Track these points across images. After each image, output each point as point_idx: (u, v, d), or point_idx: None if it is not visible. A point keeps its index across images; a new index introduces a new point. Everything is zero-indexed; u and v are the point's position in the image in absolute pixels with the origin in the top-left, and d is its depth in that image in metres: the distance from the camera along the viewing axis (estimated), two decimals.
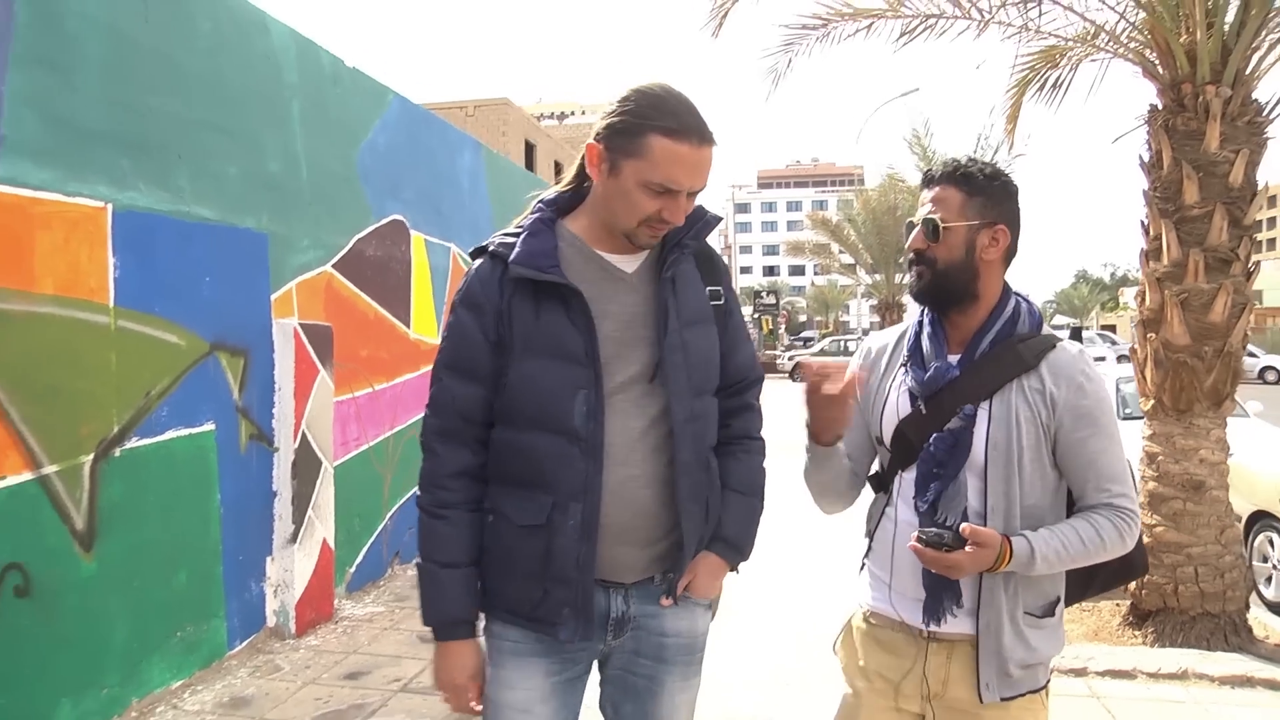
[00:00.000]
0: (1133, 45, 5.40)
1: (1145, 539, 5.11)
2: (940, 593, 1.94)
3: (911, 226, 2.03)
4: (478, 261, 1.96)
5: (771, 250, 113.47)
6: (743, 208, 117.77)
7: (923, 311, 2.10)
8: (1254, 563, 6.51)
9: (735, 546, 2.06)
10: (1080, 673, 4.54)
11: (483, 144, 8.83)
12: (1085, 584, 2.10)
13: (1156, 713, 4.19)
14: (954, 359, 1.99)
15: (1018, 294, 2.04)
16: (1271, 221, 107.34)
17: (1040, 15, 5.58)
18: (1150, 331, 5.20)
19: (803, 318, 77.62)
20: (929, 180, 2.04)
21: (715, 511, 2.03)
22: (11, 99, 3.55)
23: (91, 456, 3.97)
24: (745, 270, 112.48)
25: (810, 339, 56.59)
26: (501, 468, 1.92)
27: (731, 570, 2.07)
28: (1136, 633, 5.16)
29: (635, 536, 1.92)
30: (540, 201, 2.00)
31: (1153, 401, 5.20)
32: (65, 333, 3.83)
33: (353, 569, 6.13)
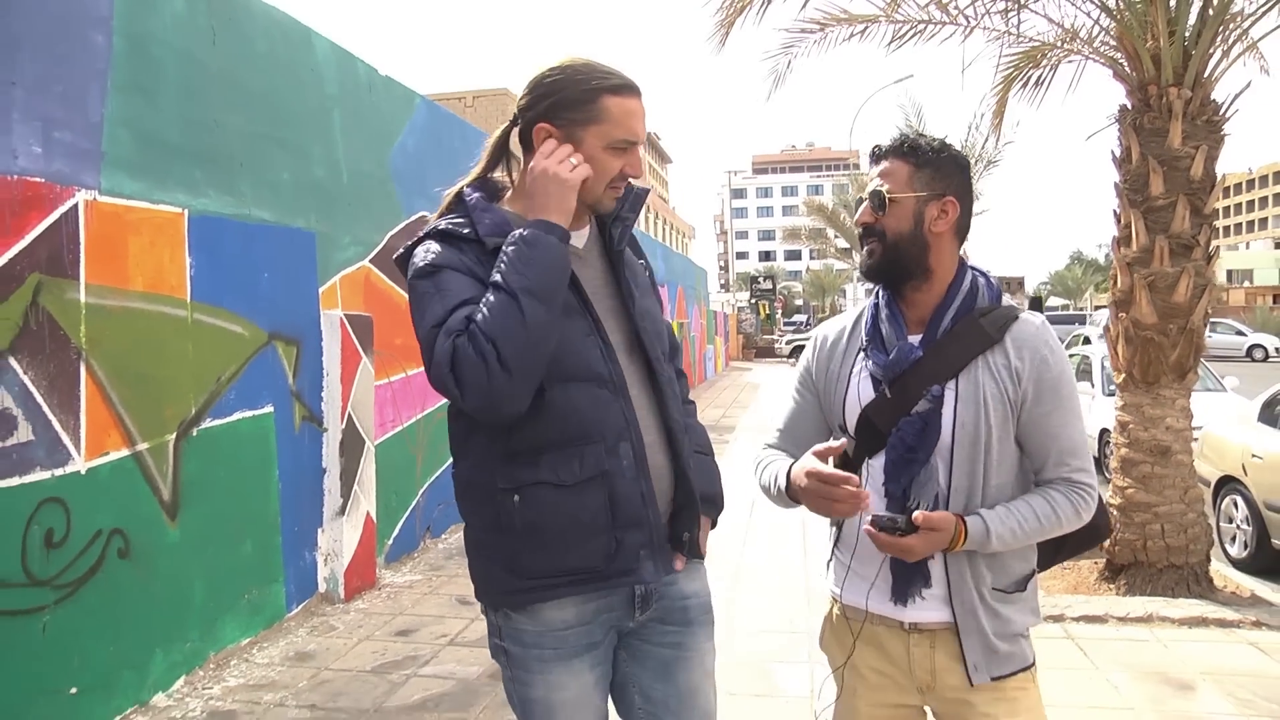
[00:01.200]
0: (1104, 50, 5.89)
1: (1118, 500, 5.64)
2: (908, 576, 1.94)
3: (857, 202, 2.02)
4: (426, 244, 1.88)
5: (767, 235, 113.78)
6: (738, 193, 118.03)
7: (877, 293, 2.06)
8: (1221, 523, 7.04)
9: (713, 502, 2.10)
10: (1058, 619, 5.07)
11: None
12: (1053, 552, 2.07)
13: (1123, 650, 4.71)
14: (915, 339, 1.95)
15: (974, 268, 2.01)
16: (1263, 201, 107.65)
17: (1019, 23, 6.06)
18: (1121, 311, 5.71)
19: (799, 302, 78.09)
20: (876, 155, 2.01)
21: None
22: (110, 121, 4.03)
23: (174, 435, 4.47)
24: (741, 256, 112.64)
25: (801, 323, 56.95)
26: (530, 436, 1.84)
27: (712, 526, 2.13)
28: (1111, 586, 5.68)
29: (660, 501, 1.94)
30: (469, 187, 1.97)
31: (1124, 375, 5.71)
32: (152, 325, 4.32)
33: (390, 541, 6.63)
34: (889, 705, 2.02)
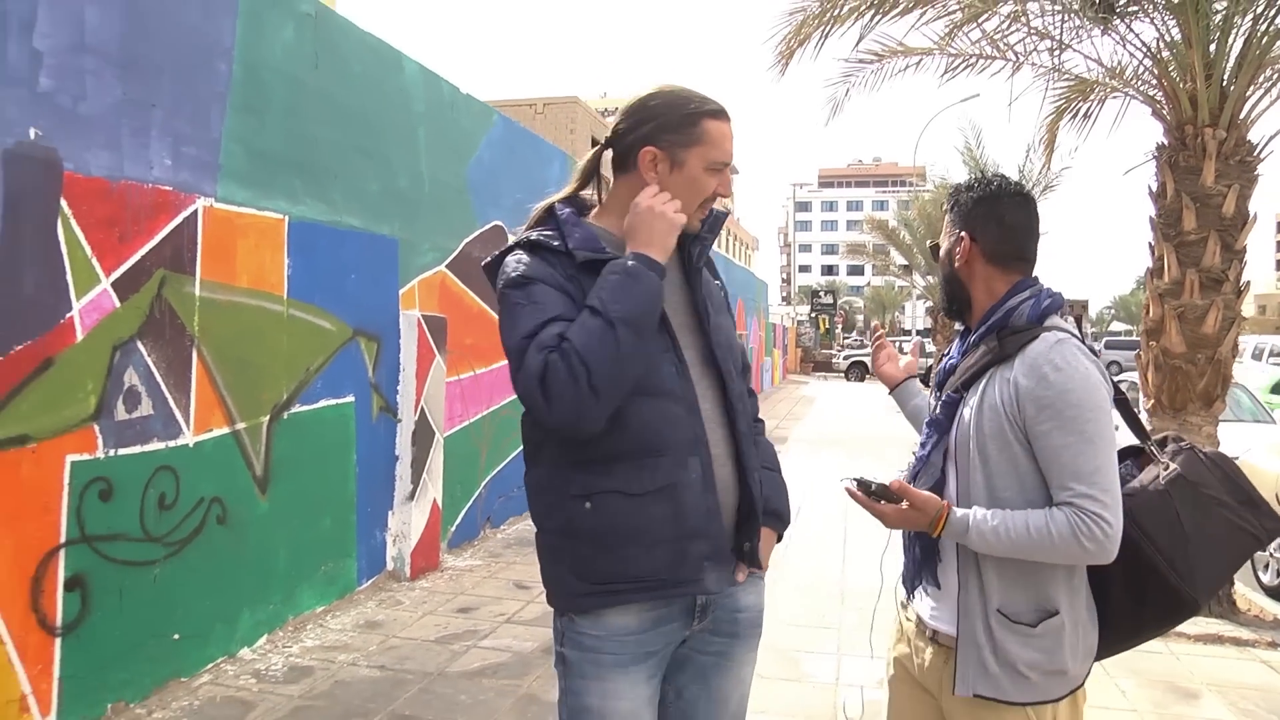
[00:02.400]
0: (1144, 89, 6.16)
1: None
2: (915, 566, 2.10)
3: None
4: (517, 254, 1.94)
5: (831, 249, 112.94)
6: (803, 206, 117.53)
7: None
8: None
9: (779, 517, 2.16)
10: None
11: (568, 155, 9.78)
12: (1132, 633, 2.05)
13: (1135, 659, 4.97)
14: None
15: (1033, 292, 2.05)
16: None
17: (1061, 61, 6.34)
18: (1152, 340, 5.98)
19: (860, 318, 77.79)
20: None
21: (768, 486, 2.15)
22: (227, 137, 4.55)
23: (268, 417, 4.98)
24: (804, 269, 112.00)
25: (860, 341, 56.65)
26: (603, 446, 1.89)
27: (777, 540, 2.20)
28: None
29: (725, 513, 1.99)
30: (560, 203, 2.06)
31: (1152, 401, 5.97)
32: (254, 318, 4.84)
33: (453, 528, 7.10)
34: (921, 701, 2.16)
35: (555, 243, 1.93)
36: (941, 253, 2.19)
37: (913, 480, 2.05)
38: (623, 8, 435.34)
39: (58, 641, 3.71)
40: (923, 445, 2.10)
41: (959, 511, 1.92)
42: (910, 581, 2.12)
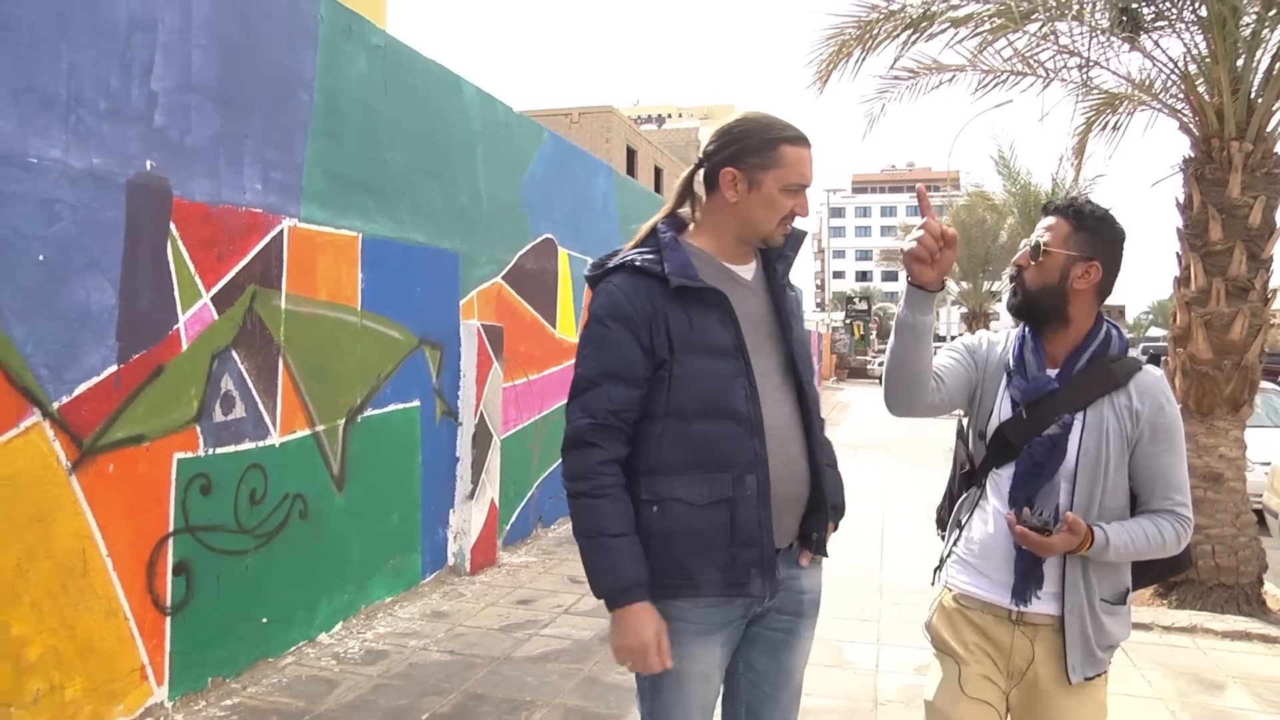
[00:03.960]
0: (1172, 102, 6.40)
1: None
2: (1028, 578, 2.20)
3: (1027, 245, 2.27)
4: (616, 277, 2.15)
5: (865, 255, 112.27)
6: (837, 212, 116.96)
7: (1023, 327, 2.34)
8: None
9: (839, 509, 2.38)
10: None
11: (612, 168, 10.14)
12: (1139, 577, 2.35)
13: (1162, 653, 5.23)
14: (1052, 373, 2.24)
15: (1109, 321, 2.28)
16: None
17: (1090, 77, 6.59)
18: (1179, 346, 6.21)
19: (894, 324, 77.48)
20: (1047, 209, 2.30)
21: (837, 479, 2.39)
22: (308, 162, 4.95)
23: (344, 420, 5.37)
24: (838, 275, 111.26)
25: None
26: (672, 458, 2.11)
27: (834, 530, 2.40)
28: (1163, 600, 6.16)
29: (795, 506, 2.22)
30: (663, 224, 2.24)
31: (1180, 405, 6.20)
32: (331, 328, 5.23)
33: (508, 526, 7.46)
34: (984, 677, 2.28)
35: (655, 268, 2.12)
36: (1054, 265, 2.21)
37: (1032, 497, 2.20)
38: (654, 16, 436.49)
39: (168, 620, 4.11)
40: (1038, 464, 2.19)
41: (1098, 531, 2.12)
42: (1023, 592, 2.22)
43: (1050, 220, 2.25)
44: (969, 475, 2.38)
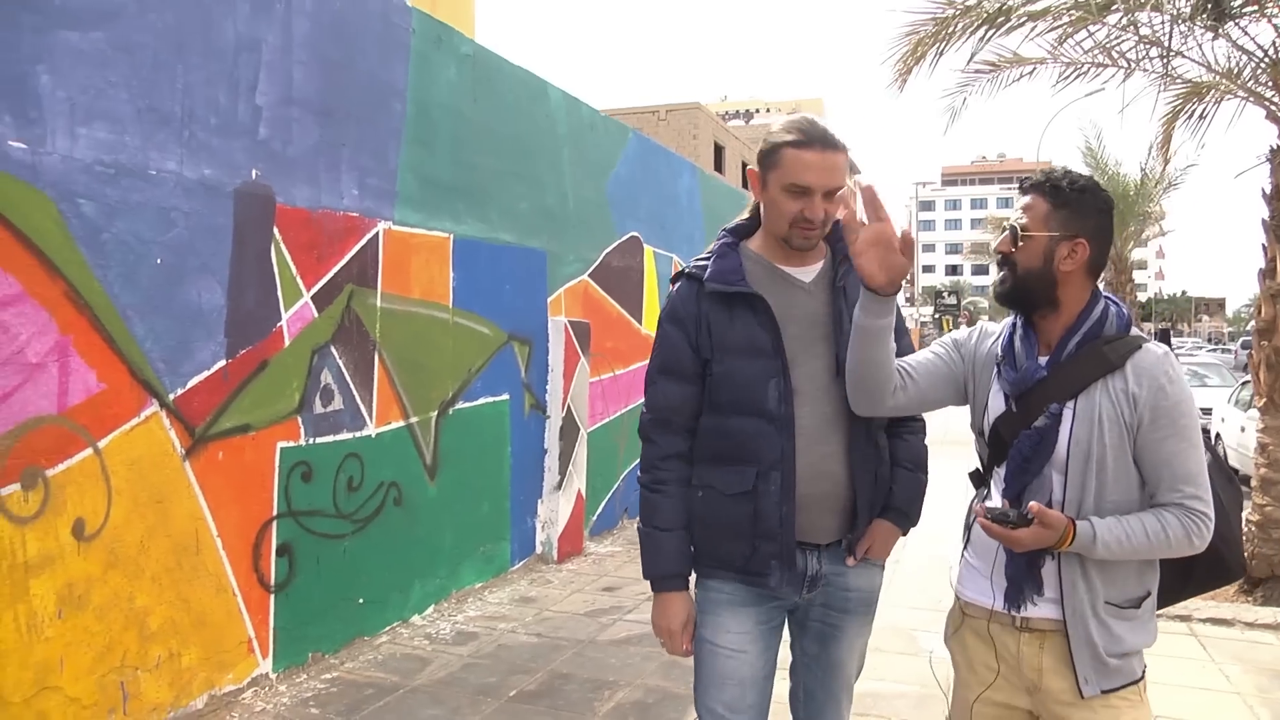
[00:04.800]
0: (1259, 90, 6.25)
1: (1257, 517, 6.00)
2: (1021, 581, 2.05)
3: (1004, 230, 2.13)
4: (678, 283, 2.36)
5: (954, 249, 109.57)
6: (926, 205, 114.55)
7: (1015, 314, 2.18)
8: None
9: (904, 514, 2.39)
10: (1184, 619, 5.53)
11: (696, 165, 10.28)
12: (1180, 587, 2.17)
13: (1243, 649, 5.15)
14: (1043, 360, 2.07)
15: (1108, 297, 2.10)
16: None
17: (1172, 67, 6.46)
18: (1264, 339, 6.08)
19: (984, 318, 75.75)
20: (1022, 188, 2.12)
21: (884, 483, 2.36)
22: (402, 167, 5.23)
23: (436, 413, 5.64)
24: (928, 269, 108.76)
25: None
26: (710, 449, 2.30)
27: (902, 535, 2.42)
28: (1247, 597, 6.04)
29: (830, 504, 2.27)
30: (723, 230, 2.39)
31: (1265, 399, 6.07)
32: (425, 325, 5.51)
33: (595, 517, 7.68)
34: (998, 704, 2.13)
35: (701, 274, 2.30)
36: (1037, 248, 2.04)
37: (1020, 494, 2.04)
38: (742, 10, 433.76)
39: (272, 598, 4.42)
40: (1025, 459, 2.05)
41: (1082, 525, 1.95)
42: (1016, 598, 2.06)
43: (1026, 199, 2.08)
44: (978, 475, 2.27)
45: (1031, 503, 1.94)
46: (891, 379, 2.15)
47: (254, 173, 4.24)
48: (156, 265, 3.79)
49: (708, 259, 2.32)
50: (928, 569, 6.72)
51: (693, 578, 2.38)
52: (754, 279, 2.26)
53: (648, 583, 2.37)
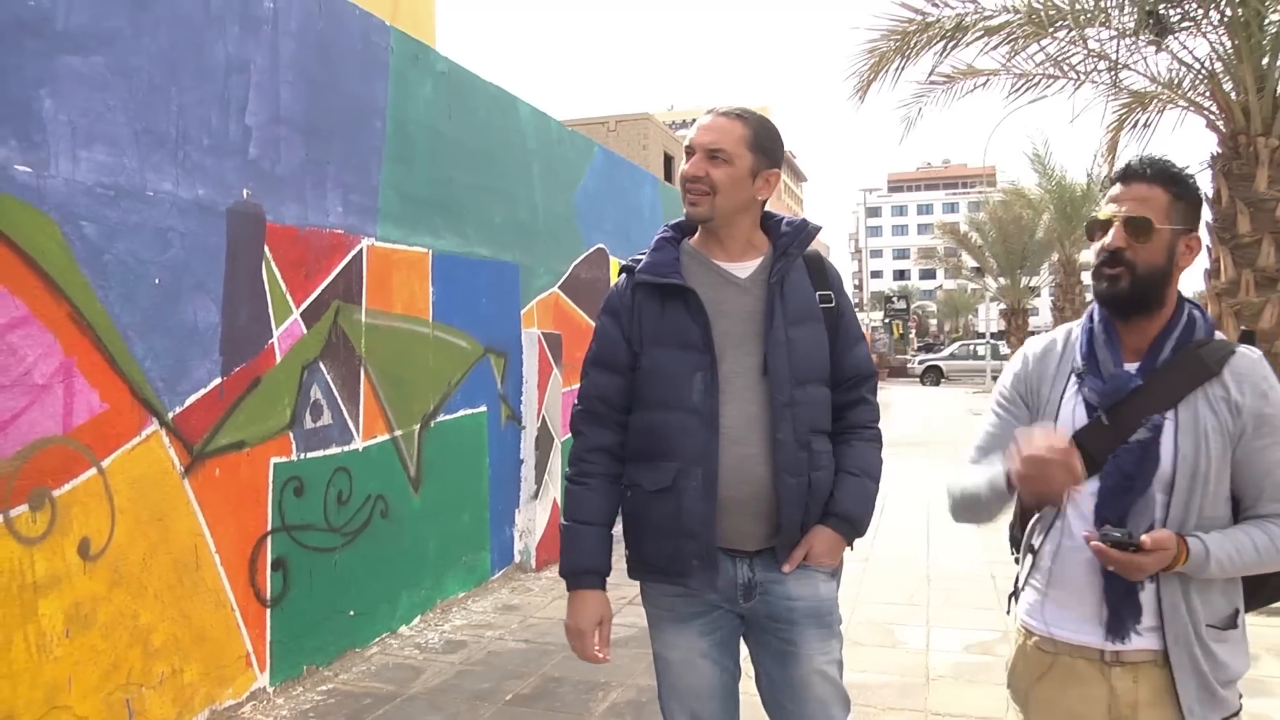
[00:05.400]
0: (1199, 100, 6.58)
1: None
2: (1122, 610, 1.86)
3: (1099, 223, 1.91)
4: (620, 276, 2.37)
5: (902, 254, 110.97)
6: (873, 211, 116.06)
7: (1090, 316, 1.99)
8: None
9: (848, 521, 2.27)
10: None
11: (659, 179, 10.45)
12: (1251, 594, 1.97)
13: None
14: (1132, 367, 1.90)
15: (1189, 301, 1.95)
16: None
17: (1119, 79, 6.78)
18: None
19: (933, 322, 76.87)
20: (1129, 174, 1.90)
21: (821, 489, 2.23)
22: (383, 184, 5.30)
23: (419, 426, 5.71)
24: (876, 275, 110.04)
25: (932, 345, 55.39)
26: (637, 446, 2.26)
27: (847, 545, 2.29)
28: None
29: (754, 509, 2.18)
30: (667, 225, 2.36)
31: None
32: (407, 339, 5.58)
33: None
34: None
35: (634, 264, 2.31)
36: (1161, 243, 1.85)
37: (1125, 516, 1.85)
38: (687, 20, 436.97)
39: (268, 612, 4.46)
40: (1128, 476, 1.85)
41: (1194, 542, 1.80)
42: (1120, 629, 1.87)
43: (1142, 189, 1.86)
44: None
45: (1144, 536, 1.77)
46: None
47: (245, 192, 4.29)
48: (155, 285, 3.84)
49: (643, 252, 2.33)
50: (897, 565, 6.93)
51: (631, 583, 2.36)
52: (688, 272, 2.24)
53: (628, 588, 2.33)
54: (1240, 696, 1.92)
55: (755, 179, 2.23)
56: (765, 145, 2.24)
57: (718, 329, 2.18)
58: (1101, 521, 1.85)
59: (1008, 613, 2.14)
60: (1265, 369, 1.87)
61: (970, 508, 2.04)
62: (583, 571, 2.28)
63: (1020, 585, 2.07)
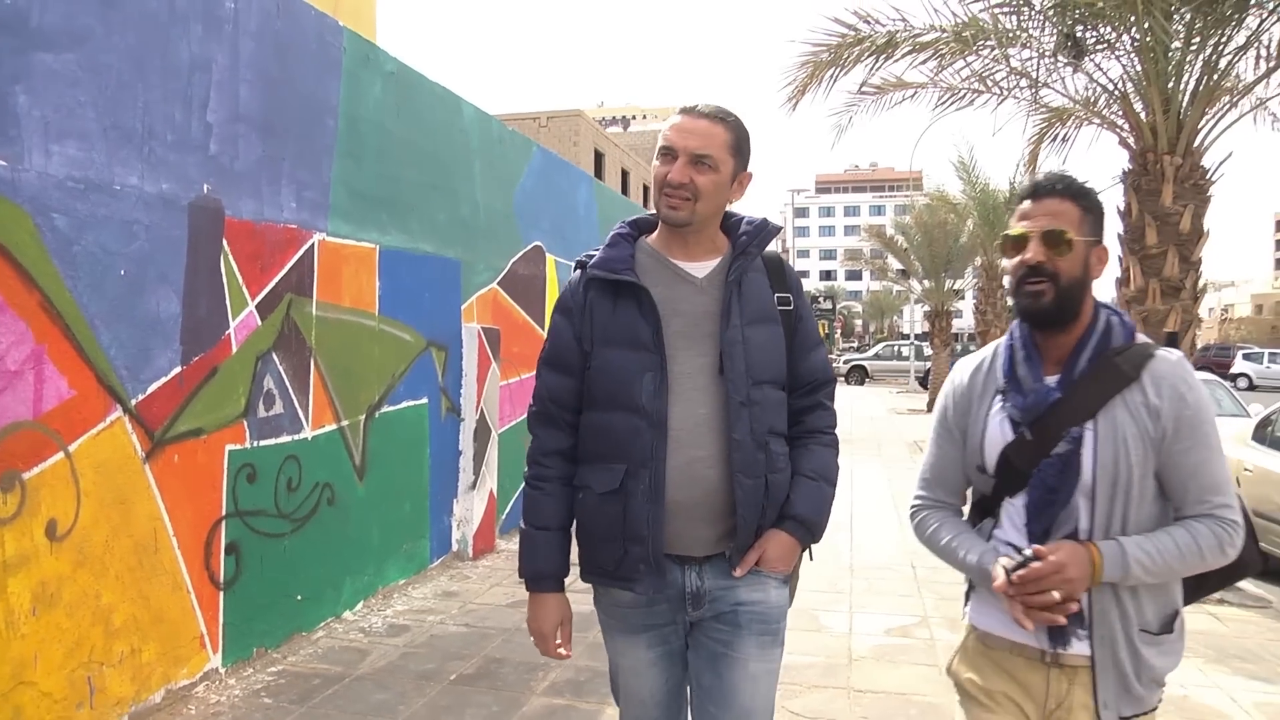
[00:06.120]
0: (1112, 119, 7.05)
1: None
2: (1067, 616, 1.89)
3: (1013, 240, 1.96)
4: (573, 274, 2.30)
5: (829, 255, 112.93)
6: (801, 212, 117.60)
7: (1011, 333, 2.05)
8: None
9: (805, 525, 2.23)
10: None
11: (594, 179, 10.69)
12: (1194, 589, 2.04)
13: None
14: (1052, 380, 1.95)
15: (1106, 306, 2.00)
16: None
17: (1039, 96, 7.23)
18: None
19: (859, 322, 78.34)
20: (1039, 191, 1.95)
21: (778, 492, 2.19)
22: (334, 181, 5.45)
23: (364, 416, 5.86)
24: (802, 275, 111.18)
25: (857, 345, 56.33)
26: (587, 447, 2.22)
27: (803, 549, 2.26)
28: None
29: (703, 513, 2.14)
30: (623, 222, 2.32)
31: None
32: (354, 332, 5.73)
33: (505, 516, 7.97)
34: None
35: (587, 260, 2.26)
36: (1078, 256, 1.92)
37: (1049, 527, 1.92)
38: (618, 16, 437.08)
39: (221, 595, 4.60)
40: (1051, 489, 1.91)
41: (1107, 546, 1.85)
42: (1061, 635, 1.92)
43: (1054, 204, 1.93)
44: (981, 506, 2.11)
45: (1033, 546, 1.87)
46: (1198, 537, 1.88)
47: (205, 187, 4.42)
48: (120, 276, 3.96)
49: (597, 249, 2.28)
50: (823, 555, 7.27)
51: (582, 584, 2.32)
52: (642, 270, 2.19)
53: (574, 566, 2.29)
54: (1161, 698, 1.97)
55: (733, 183, 2.21)
56: (744, 149, 2.22)
57: (670, 328, 2.14)
58: (1031, 534, 1.93)
59: (962, 618, 2.19)
60: (1184, 370, 1.90)
61: (950, 563, 2.11)
62: (539, 577, 2.30)
63: (968, 590, 2.15)
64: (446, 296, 6.89)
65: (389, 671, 4.83)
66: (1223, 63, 6.44)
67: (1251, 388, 32.99)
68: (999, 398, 2.02)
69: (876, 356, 38.70)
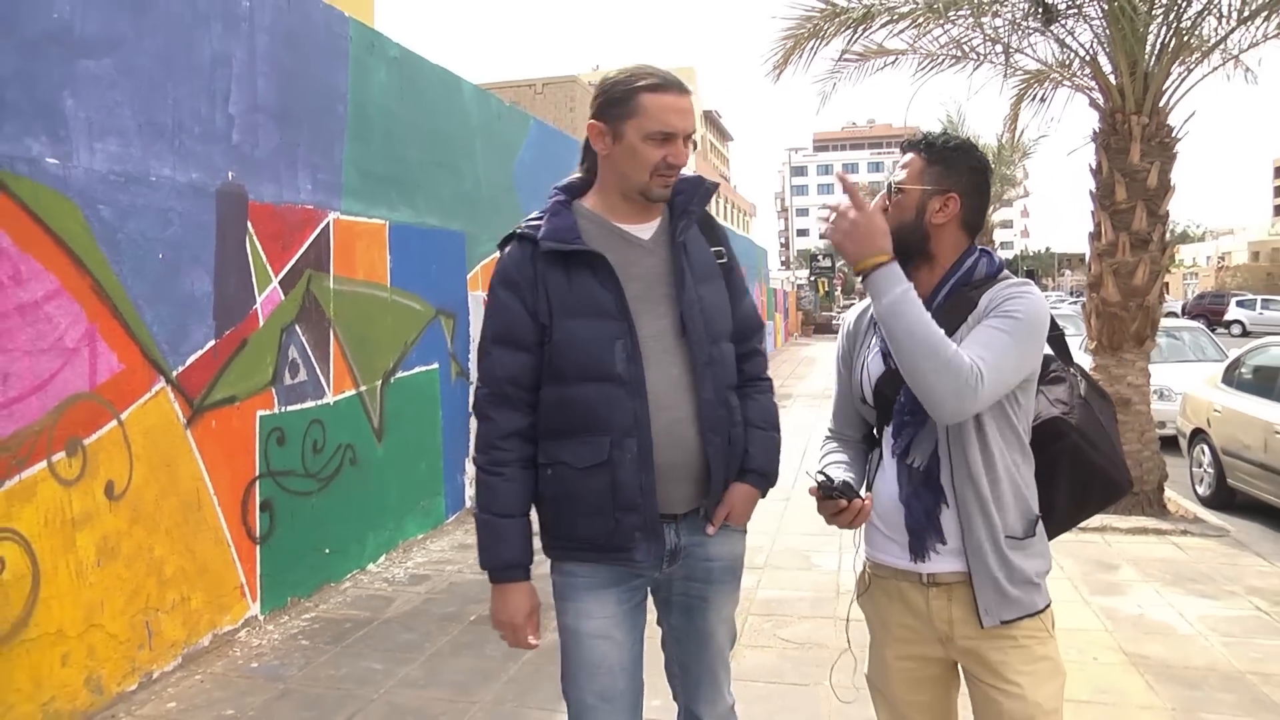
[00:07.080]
0: (1083, 82, 7.38)
1: None
2: (922, 532, 2.05)
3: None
4: (509, 246, 2.20)
5: None
6: (799, 170, 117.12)
7: None
8: (1192, 468, 8.50)
9: (764, 475, 2.28)
10: None
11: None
12: (1075, 511, 2.19)
13: (1075, 547, 6.27)
14: None
15: (983, 249, 2.14)
16: None
17: (1014, 61, 7.56)
18: (1093, 292, 7.23)
19: (858, 280, 78.47)
20: (902, 148, 2.18)
21: (739, 445, 2.23)
22: (346, 162, 5.82)
23: (380, 382, 6.27)
24: (802, 233, 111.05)
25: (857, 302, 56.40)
26: (555, 422, 2.13)
27: (761, 496, 2.28)
28: None
29: (684, 472, 2.15)
30: (555, 188, 2.25)
31: (1095, 342, 7.23)
32: (368, 303, 6.12)
33: None
34: (914, 657, 2.15)
35: (534, 234, 2.14)
36: (910, 202, 2.10)
37: (909, 445, 2.07)
38: None
39: (258, 548, 5.03)
40: (909, 411, 2.06)
41: (895, 265, 1.96)
42: (920, 549, 2.07)
43: (906, 158, 2.14)
44: (870, 438, 2.27)
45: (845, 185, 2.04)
46: (950, 345, 1.93)
47: (230, 174, 4.79)
48: (159, 259, 4.34)
49: (540, 218, 2.18)
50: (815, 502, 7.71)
51: (544, 564, 2.26)
52: (590, 237, 2.13)
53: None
54: (1048, 603, 2.09)
55: None
56: None
57: (629, 292, 2.11)
58: (896, 454, 2.10)
59: (855, 550, 2.28)
60: (1018, 289, 2.01)
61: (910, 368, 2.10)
62: (506, 567, 2.20)
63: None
64: (453, 267, 7.28)
65: (413, 615, 5.27)
66: (1185, 23, 6.76)
67: (1245, 334, 33.39)
68: (875, 333, 2.16)
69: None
